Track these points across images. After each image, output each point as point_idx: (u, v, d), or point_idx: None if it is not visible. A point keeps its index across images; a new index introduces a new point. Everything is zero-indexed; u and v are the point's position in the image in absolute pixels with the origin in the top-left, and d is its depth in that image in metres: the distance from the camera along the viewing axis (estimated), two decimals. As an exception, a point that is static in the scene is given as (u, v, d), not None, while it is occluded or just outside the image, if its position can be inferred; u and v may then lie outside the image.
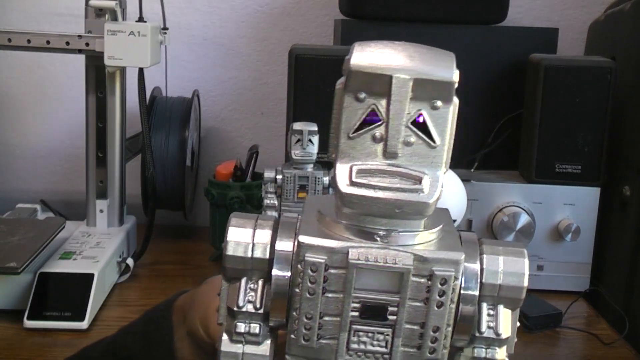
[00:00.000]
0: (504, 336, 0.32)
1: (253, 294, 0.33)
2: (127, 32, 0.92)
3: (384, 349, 0.32)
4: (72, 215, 1.12)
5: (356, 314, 0.31)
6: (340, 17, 1.13)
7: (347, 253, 0.30)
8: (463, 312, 0.32)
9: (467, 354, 0.33)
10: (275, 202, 0.86)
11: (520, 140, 1.07)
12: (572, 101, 0.97)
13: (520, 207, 0.97)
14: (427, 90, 0.30)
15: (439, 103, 0.31)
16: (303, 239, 0.31)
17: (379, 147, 0.31)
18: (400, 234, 0.31)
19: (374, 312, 0.31)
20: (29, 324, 0.82)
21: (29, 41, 0.93)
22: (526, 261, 0.32)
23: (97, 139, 1.03)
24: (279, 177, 0.85)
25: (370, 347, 0.32)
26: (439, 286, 0.31)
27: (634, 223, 0.93)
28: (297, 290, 0.31)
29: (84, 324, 0.82)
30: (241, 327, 0.33)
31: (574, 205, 0.98)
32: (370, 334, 0.32)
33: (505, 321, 0.32)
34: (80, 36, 0.94)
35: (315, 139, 0.77)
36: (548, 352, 0.85)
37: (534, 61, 1.01)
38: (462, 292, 0.32)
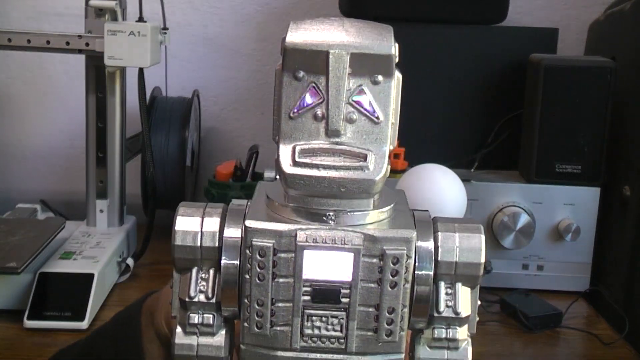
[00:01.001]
0: (463, 315, 0.32)
1: (204, 283, 0.32)
2: (127, 32, 0.92)
3: (339, 333, 0.31)
4: (72, 215, 1.12)
5: (308, 298, 0.30)
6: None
7: (295, 236, 0.30)
8: (418, 292, 0.31)
9: (428, 335, 0.32)
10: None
11: (520, 140, 1.07)
12: (572, 101, 0.97)
13: (520, 207, 0.97)
14: (366, 65, 0.30)
15: (379, 78, 0.30)
16: (250, 223, 0.30)
17: (321, 125, 0.30)
18: (349, 214, 0.30)
19: (326, 296, 0.31)
20: (29, 324, 0.82)
21: (29, 41, 0.93)
22: (482, 237, 0.32)
23: (97, 139, 1.03)
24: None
25: (324, 332, 0.31)
26: (392, 266, 0.30)
27: (634, 223, 0.93)
28: (247, 276, 0.30)
29: (84, 324, 0.82)
30: (194, 318, 0.32)
31: (574, 205, 0.98)
32: (324, 319, 0.31)
33: (464, 299, 0.32)
34: (80, 36, 0.94)
35: (315, 139, 0.77)
36: (548, 352, 0.85)
37: (534, 61, 1.01)
38: (416, 272, 0.31)
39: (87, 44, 0.94)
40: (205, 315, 0.32)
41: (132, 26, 0.92)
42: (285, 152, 0.30)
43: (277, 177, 0.31)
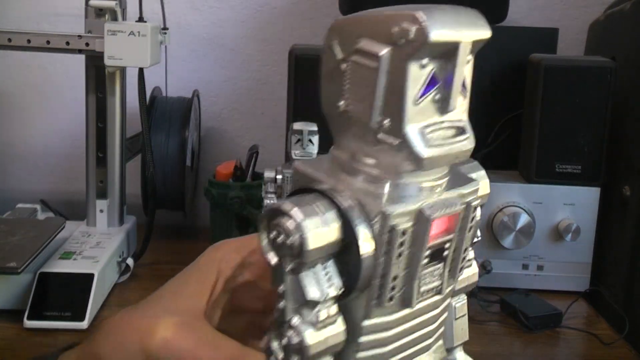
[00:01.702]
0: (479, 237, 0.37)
1: (330, 277, 0.32)
2: (127, 32, 0.92)
3: (438, 282, 0.34)
4: (72, 215, 1.12)
5: (426, 261, 0.32)
6: (340, 17, 1.13)
7: (423, 210, 0.31)
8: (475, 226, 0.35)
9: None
10: (276, 202, 0.86)
11: (520, 140, 1.07)
12: (572, 101, 0.97)
13: (520, 207, 0.97)
14: (475, 47, 0.32)
15: (471, 56, 0.33)
16: (391, 209, 0.30)
17: (437, 105, 0.32)
18: (445, 179, 0.33)
19: (437, 255, 0.33)
20: (29, 324, 0.82)
21: (29, 41, 0.93)
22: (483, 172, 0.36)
23: (97, 139, 1.03)
24: (279, 177, 0.86)
25: (430, 285, 0.33)
26: (471, 214, 0.33)
27: (634, 223, 0.93)
28: (383, 259, 0.31)
29: (84, 324, 0.82)
30: (324, 314, 0.32)
31: (574, 205, 0.98)
32: (431, 274, 0.33)
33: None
34: (80, 36, 0.94)
35: (315, 139, 0.77)
36: (548, 352, 0.85)
37: (534, 61, 1.01)
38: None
39: (87, 44, 0.94)
40: (331, 308, 0.32)
41: (132, 26, 0.92)
42: (415, 137, 0.30)
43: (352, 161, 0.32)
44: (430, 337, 0.36)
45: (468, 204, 0.33)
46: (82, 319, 0.82)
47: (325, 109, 0.33)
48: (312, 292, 0.31)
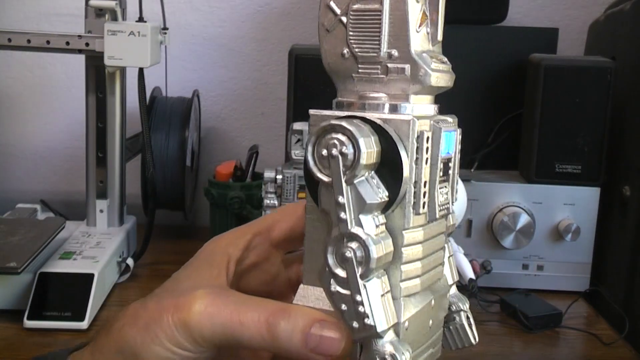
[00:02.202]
0: None
1: (378, 185, 0.34)
2: (127, 32, 0.92)
3: (446, 198, 0.36)
4: (72, 215, 1.12)
5: (440, 174, 0.35)
6: None
7: (434, 122, 0.35)
8: None
9: None
10: (276, 202, 0.86)
11: (520, 140, 1.07)
12: (572, 101, 0.97)
13: (520, 207, 0.97)
14: None
15: None
16: (416, 119, 0.34)
17: (428, 36, 0.36)
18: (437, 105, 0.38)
19: (447, 169, 0.36)
20: (29, 324, 0.82)
21: (29, 41, 0.93)
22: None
23: (97, 139, 1.03)
24: (279, 177, 0.86)
25: (443, 199, 0.36)
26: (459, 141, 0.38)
27: (634, 223, 0.93)
28: (414, 165, 0.34)
29: (84, 324, 0.82)
30: (382, 219, 0.33)
31: (574, 205, 0.98)
32: (443, 188, 0.36)
33: None
34: (80, 36, 0.94)
35: (315, 139, 0.77)
36: (548, 352, 0.85)
37: (534, 61, 1.01)
38: None
39: (87, 44, 0.94)
40: (379, 216, 0.33)
41: (132, 26, 0.92)
42: (421, 58, 0.35)
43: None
44: (441, 263, 0.38)
45: (457, 129, 0.37)
46: (82, 319, 0.82)
47: (330, 62, 0.36)
48: (370, 197, 0.32)
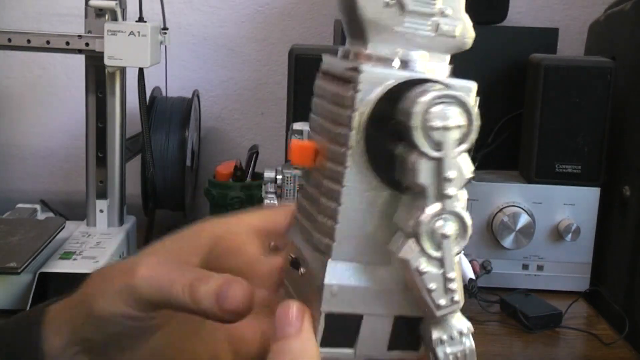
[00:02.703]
0: None
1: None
2: (127, 32, 0.92)
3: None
4: (72, 215, 1.12)
5: None
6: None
7: None
8: None
9: None
10: (276, 202, 0.86)
11: (520, 140, 1.07)
12: (572, 101, 0.97)
13: (520, 207, 0.97)
14: None
15: None
16: None
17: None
18: None
19: None
20: (29, 324, 0.81)
21: (29, 41, 0.93)
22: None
23: (97, 139, 1.03)
24: (279, 177, 0.86)
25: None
26: None
27: (634, 223, 0.93)
28: None
29: (84, 324, 0.82)
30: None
31: (574, 205, 0.98)
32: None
33: None
34: (80, 36, 0.94)
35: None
36: (548, 352, 0.85)
37: (534, 61, 1.01)
38: None
39: (87, 44, 0.94)
40: None
41: (132, 26, 0.92)
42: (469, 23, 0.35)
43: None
44: None
45: None
46: (82, 319, 0.82)
47: (368, 9, 0.31)
48: (469, 171, 0.30)
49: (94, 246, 0.95)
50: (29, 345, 0.41)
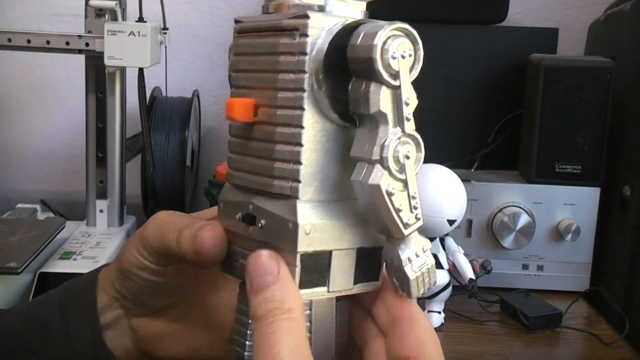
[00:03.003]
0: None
1: None
2: (127, 32, 0.92)
3: None
4: (72, 215, 1.12)
5: None
6: None
7: None
8: None
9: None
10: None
11: (520, 140, 1.07)
12: (572, 101, 0.97)
13: (520, 207, 0.97)
14: None
15: None
16: None
17: None
18: None
19: None
20: (29, 324, 0.82)
21: (29, 41, 0.93)
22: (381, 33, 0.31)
23: (97, 139, 1.03)
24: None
25: None
26: None
27: (634, 223, 0.93)
28: None
29: (84, 324, 0.82)
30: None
31: (574, 205, 0.98)
32: None
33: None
34: (80, 36, 0.94)
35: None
36: (548, 352, 0.85)
37: (534, 61, 1.01)
38: None
39: (87, 44, 0.94)
40: None
41: (132, 26, 0.92)
42: None
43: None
44: None
45: None
46: (82, 319, 0.82)
47: None
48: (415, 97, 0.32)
49: (94, 246, 0.95)
50: (87, 304, 0.44)
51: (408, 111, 0.31)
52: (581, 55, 1.18)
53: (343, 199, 0.33)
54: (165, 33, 1.01)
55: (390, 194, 0.31)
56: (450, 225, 0.88)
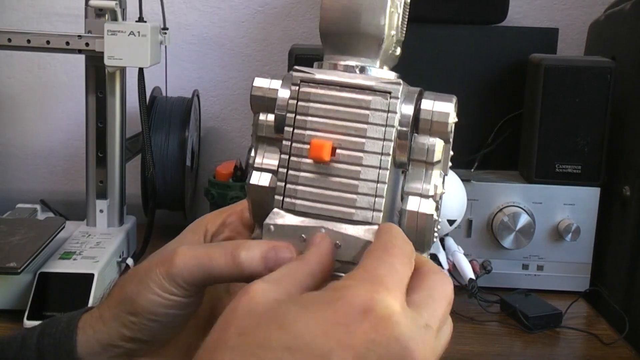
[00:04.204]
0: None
1: None
2: (127, 32, 0.92)
3: None
4: (72, 215, 1.12)
5: None
6: None
7: None
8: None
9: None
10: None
11: (520, 140, 1.07)
12: (572, 101, 0.97)
13: (520, 207, 0.97)
14: None
15: None
16: None
17: None
18: None
19: None
20: (29, 324, 0.81)
21: (29, 41, 0.93)
22: (453, 101, 0.40)
23: (97, 139, 1.03)
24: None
25: None
26: None
27: (634, 223, 0.93)
28: None
29: (84, 324, 0.82)
30: None
31: (574, 205, 0.98)
32: None
33: (439, 146, 0.40)
34: (80, 36, 0.94)
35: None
36: (548, 352, 0.85)
37: (534, 61, 1.01)
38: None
39: (87, 44, 0.94)
40: None
41: (132, 26, 0.92)
42: None
43: None
44: None
45: None
46: (82, 319, 0.82)
47: (388, 41, 0.41)
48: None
49: (94, 246, 0.95)
50: (64, 352, 0.43)
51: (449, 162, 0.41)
52: (581, 55, 1.18)
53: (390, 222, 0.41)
54: (165, 33, 1.01)
55: (435, 221, 0.40)
56: (450, 225, 0.88)
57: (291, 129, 0.40)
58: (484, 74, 1.11)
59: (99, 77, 1.01)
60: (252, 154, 0.41)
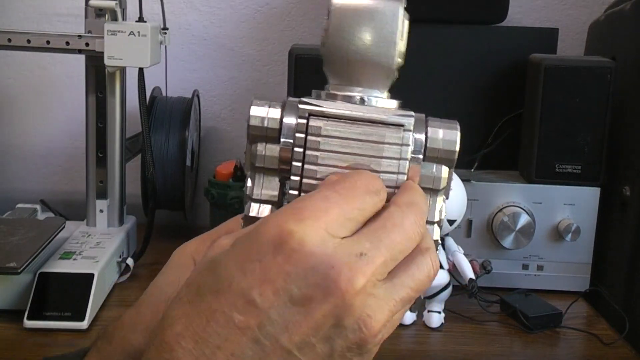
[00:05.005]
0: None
1: None
2: (127, 32, 0.92)
3: None
4: (72, 215, 1.12)
5: None
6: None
7: None
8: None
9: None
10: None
11: (520, 140, 1.07)
12: (572, 101, 0.97)
13: (520, 207, 0.97)
14: None
15: None
16: None
17: None
18: None
19: None
20: (29, 324, 0.82)
21: (29, 41, 0.93)
22: (458, 130, 0.40)
23: (97, 139, 1.03)
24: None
25: None
26: None
27: (634, 223, 0.93)
28: None
29: (84, 324, 0.82)
30: None
31: (574, 205, 0.98)
32: None
33: (445, 173, 0.40)
34: (80, 36, 0.94)
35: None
36: (548, 352, 0.85)
37: (534, 61, 1.01)
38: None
39: (87, 44, 0.94)
40: None
41: (132, 26, 0.92)
42: None
43: None
44: None
45: None
46: (82, 319, 0.82)
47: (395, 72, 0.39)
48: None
49: (94, 246, 0.95)
50: None
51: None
52: (581, 55, 1.18)
53: None
54: (165, 33, 1.01)
55: (439, 244, 0.40)
56: (450, 225, 0.88)
57: (300, 164, 0.37)
58: (484, 74, 1.11)
59: (99, 77, 1.01)
60: (249, 184, 0.39)
